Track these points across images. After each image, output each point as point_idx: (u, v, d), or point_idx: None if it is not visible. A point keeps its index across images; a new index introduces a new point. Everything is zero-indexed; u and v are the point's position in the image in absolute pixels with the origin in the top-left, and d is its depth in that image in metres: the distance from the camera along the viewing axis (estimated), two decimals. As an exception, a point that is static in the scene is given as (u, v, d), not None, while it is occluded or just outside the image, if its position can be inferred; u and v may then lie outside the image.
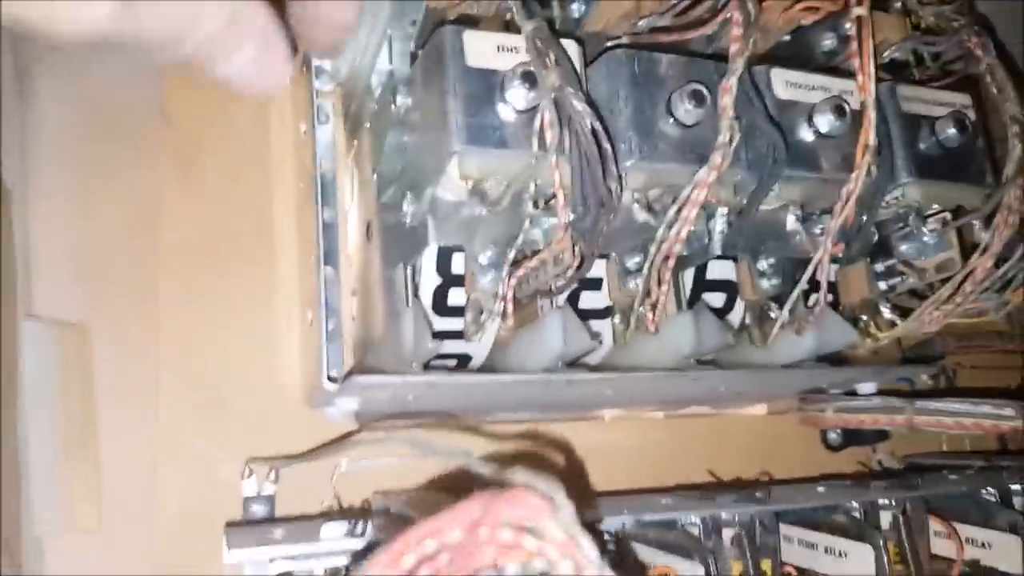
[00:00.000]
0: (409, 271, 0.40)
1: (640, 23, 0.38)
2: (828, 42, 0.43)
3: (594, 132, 0.31)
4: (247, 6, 0.25)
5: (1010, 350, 0.60)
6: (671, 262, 0.35)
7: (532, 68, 0.32)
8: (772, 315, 0.41)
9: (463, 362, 0.45)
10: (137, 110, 0.48)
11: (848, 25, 0.40)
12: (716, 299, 0.44)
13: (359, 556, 0.37)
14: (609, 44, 0.39)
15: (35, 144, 0.47)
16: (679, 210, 0.34)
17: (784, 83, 0.38)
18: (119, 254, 0.46)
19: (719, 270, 0.44)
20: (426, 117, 0.35)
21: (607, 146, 0.31)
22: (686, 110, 0.34)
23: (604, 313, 0.43)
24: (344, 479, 0.44)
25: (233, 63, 0.25)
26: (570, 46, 0.34)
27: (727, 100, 0.34)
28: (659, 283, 0.36)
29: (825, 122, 0.37)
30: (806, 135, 0.38)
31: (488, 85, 0.33)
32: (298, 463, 0.43)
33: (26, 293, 0.46)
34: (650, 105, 0.35)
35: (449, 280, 0.41)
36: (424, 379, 0.38)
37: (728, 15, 0.35)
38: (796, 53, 0.43)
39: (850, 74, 0.38)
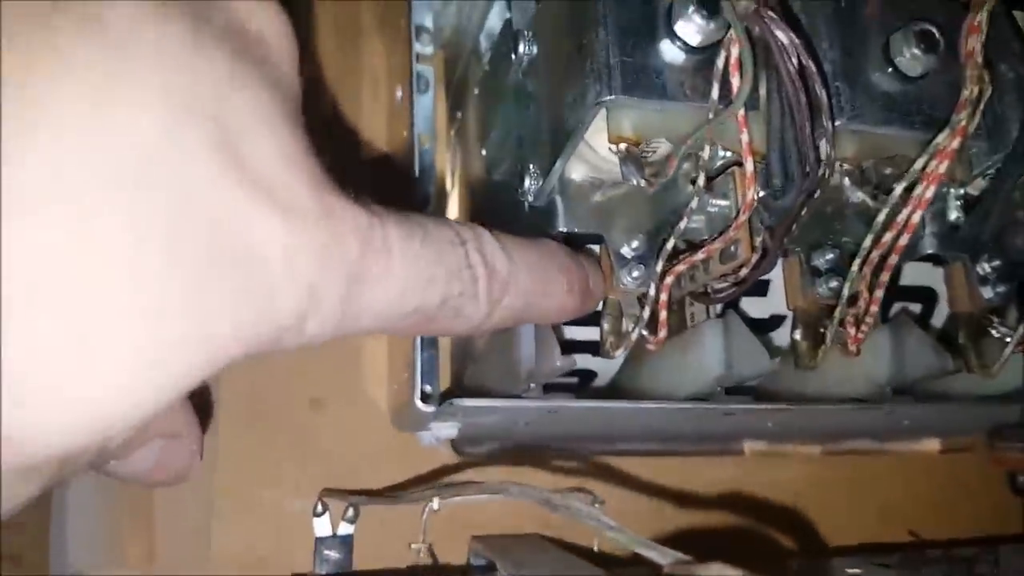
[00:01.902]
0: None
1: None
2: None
3: (802, 73, 0.23)
4: None
5: None
6: (894, 259, 0.26)
7: (712, -10, 0.23)
8: (995, 333, 0.32)
9: (585, 380, 0.36)
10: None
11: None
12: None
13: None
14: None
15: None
16: (909, 188, 0.25)
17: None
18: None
19: (916, 273, 0.34)
20: (560, 63, 0.26)
21: (823, 94, 0.23)
22: (912, 56, 0.25)
23: (770, 324, 0.34)
24: (438, 516, 0.37)
25: None
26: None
27: (975, 42, 0.25)
28: (871, 289, 0.27)
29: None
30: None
31: (649, 15, 0.24)
32: (381, 502, 0.35)
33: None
34: (861, 49, 0.26)
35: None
36: (545, 404, 0.30)
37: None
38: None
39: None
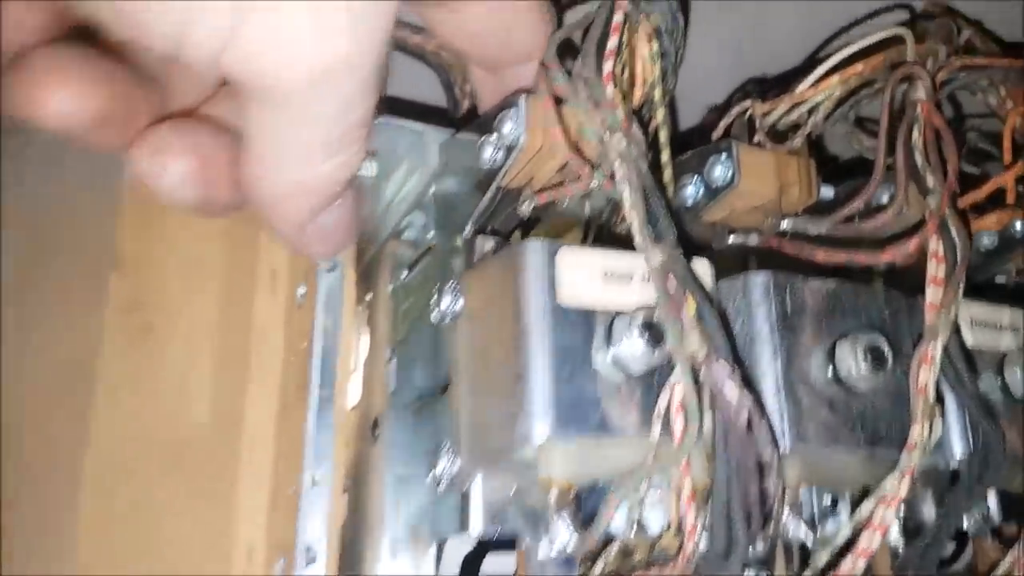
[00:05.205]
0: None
1: (783, 223, 0.27)
2: (987, 240, 0.33)
3: (751, 429, 0.20)
4: None
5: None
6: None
7: (658, 317, 0.21)
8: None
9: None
10: (81, 243, 0.36)
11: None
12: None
13: None
14: (732, 242, 0.29)
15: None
16: (857, 532, 0.23)
17: (968, 322, 0.28)
18: (35, 438, 0.35)
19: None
20: (489, 358, 0.23)
21: (769, 454, 0.21)
22: (860, 374, 0.24)
23: None
24: None
25: None
26: (699, 267, 0.23)
27: (927, 377, 0.23)
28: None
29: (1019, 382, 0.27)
30: (994, 394, 0.27)
31: (586, 332, 0.22)
32: None
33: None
34: (804, 357, 0.24)
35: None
36: None
37: (925, 244, 0.24)
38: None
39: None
